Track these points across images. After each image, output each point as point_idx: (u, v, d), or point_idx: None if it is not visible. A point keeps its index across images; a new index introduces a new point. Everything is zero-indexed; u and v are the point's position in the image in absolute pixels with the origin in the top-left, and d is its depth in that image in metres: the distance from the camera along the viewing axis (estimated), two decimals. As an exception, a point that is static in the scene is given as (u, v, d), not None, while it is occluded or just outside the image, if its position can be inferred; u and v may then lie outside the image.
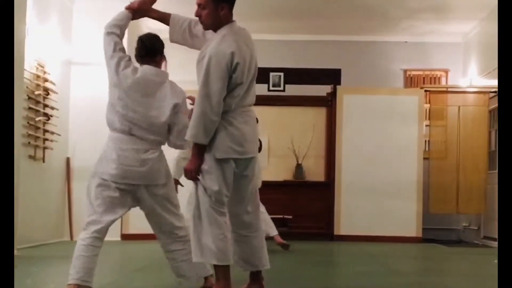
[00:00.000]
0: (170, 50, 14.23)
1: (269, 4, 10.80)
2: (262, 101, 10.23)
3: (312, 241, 8.51)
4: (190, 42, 4.56)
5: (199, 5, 4.18)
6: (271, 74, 11.38)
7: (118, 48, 4.55)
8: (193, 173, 4.15)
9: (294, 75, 11.80)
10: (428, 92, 10.85)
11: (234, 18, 4.30)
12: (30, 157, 8.49)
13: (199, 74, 4.15)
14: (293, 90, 11.61)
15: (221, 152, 4.13)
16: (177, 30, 4.58)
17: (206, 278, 4.56)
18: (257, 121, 4.47)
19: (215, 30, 4.22)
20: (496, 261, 4.05)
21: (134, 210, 10.99)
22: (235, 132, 4.16)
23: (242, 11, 12.39)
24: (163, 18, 4.63)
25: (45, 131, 9.00)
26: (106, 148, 4.35)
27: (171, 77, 4.67)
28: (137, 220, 10.21)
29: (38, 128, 8.73)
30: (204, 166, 4.13)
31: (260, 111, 9.51)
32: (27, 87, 8.26)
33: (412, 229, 10.21)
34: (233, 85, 4.11)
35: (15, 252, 6.46)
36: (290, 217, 10.03)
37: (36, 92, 8.63)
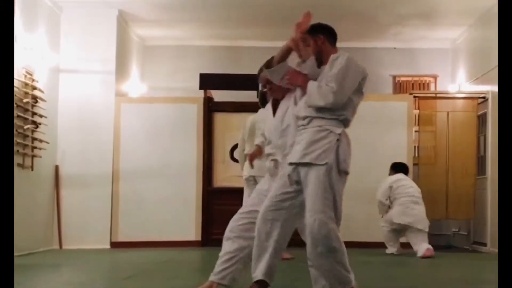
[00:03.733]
0: (160, 59, 14.18)
1: (259, 11, 10.81)
2: (252, 107, 10.25)
3: (302, 247, 8.49)
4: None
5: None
6: (261, 81, 11.37)
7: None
8: (299, 81, 4.22)
9: (284, 82, 11.80)
10: (417, 98, 10.86)
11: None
12: (19, 165, 8.44)
13: (331, 69, 4.18)
14: (282, 96, 11.59)
15: (347, 165, 4.19)
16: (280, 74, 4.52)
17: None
18: None
19: (319, 60, 4.33)
20: None
21: (124, 218, 10.95)
22: (349, 146, 4.27)
23: (233, 18, 12.35)
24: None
25: (34, 139, 8.96)
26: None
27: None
28: (126, 228, 10.26)
29: (26, 136, 8.69)
30: (337, 187, 4.14)
31: (250, 118, 9.52)
32: (15, 95, 8.22)
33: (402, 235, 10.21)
34: (360, 92, 4.23)
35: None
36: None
37: (25, 100, 8.59)
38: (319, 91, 4.11)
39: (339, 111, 4.17)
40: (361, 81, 4.22)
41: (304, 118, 4.21)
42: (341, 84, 4.09)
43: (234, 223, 4.54)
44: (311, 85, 4.17)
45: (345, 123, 4.24)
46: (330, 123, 4.15)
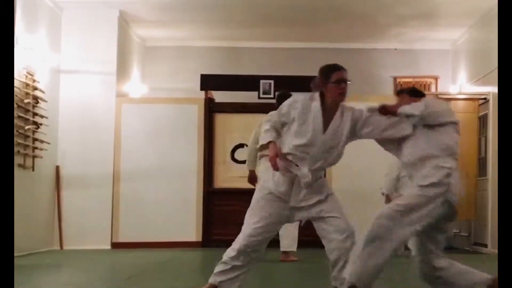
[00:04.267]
0: (161, 60, 14.16)
1: (259, 12, 10.81)
2: (252, 108, 10.31)
3: (305, 248, 8.49)
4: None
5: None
6: (261, 81, 11.34)
7: None
8: (394, 108, 4.45)
9: (285, 83, 11.76)
10: (418, 99, 10.83)
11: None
12: (20, 165, 8.45)
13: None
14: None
15: (455, 198, 4.22)
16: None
17: None
18: None
19: None
20: None
21: (124, 219, 10.95)
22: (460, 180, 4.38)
23: (234, 19, 12.34)
24: None
25: (35, 139, 8.96)
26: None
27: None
28: (127, 229, 10.26)
29: (27, 136, 8.70)
30: (428, 211, 4.18)
31: (251, 119, 9.56)
32: (16, 96, 8.22)
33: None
34: (458, 133, 4.53)
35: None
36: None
37: (26, 101, 8.60)
38: (413, 103, 4.34)
39: (445, 145, 4.27)
40: (454, 123, 4.40)
41: (415, 159, 4.30)
42: (433, 101, 4.34)
43: (251, 238, 4.41)
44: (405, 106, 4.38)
45: (453, 156, 4.32)
46: (440, 160, 4.24)
